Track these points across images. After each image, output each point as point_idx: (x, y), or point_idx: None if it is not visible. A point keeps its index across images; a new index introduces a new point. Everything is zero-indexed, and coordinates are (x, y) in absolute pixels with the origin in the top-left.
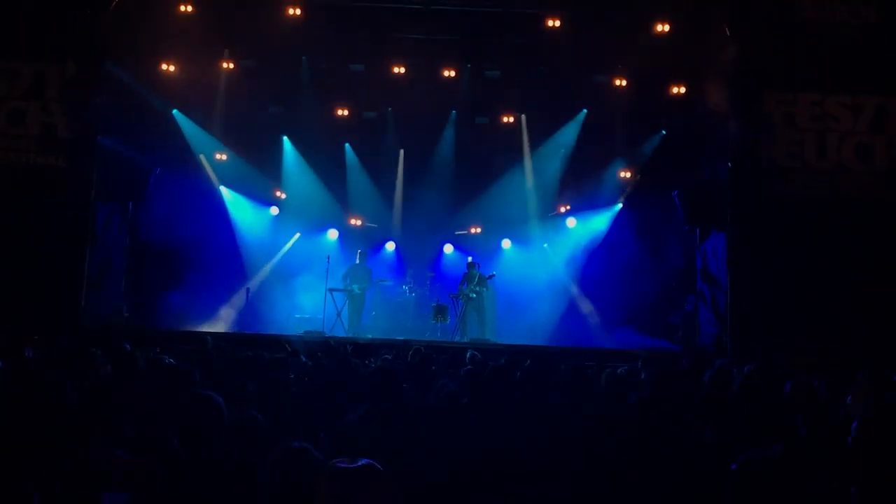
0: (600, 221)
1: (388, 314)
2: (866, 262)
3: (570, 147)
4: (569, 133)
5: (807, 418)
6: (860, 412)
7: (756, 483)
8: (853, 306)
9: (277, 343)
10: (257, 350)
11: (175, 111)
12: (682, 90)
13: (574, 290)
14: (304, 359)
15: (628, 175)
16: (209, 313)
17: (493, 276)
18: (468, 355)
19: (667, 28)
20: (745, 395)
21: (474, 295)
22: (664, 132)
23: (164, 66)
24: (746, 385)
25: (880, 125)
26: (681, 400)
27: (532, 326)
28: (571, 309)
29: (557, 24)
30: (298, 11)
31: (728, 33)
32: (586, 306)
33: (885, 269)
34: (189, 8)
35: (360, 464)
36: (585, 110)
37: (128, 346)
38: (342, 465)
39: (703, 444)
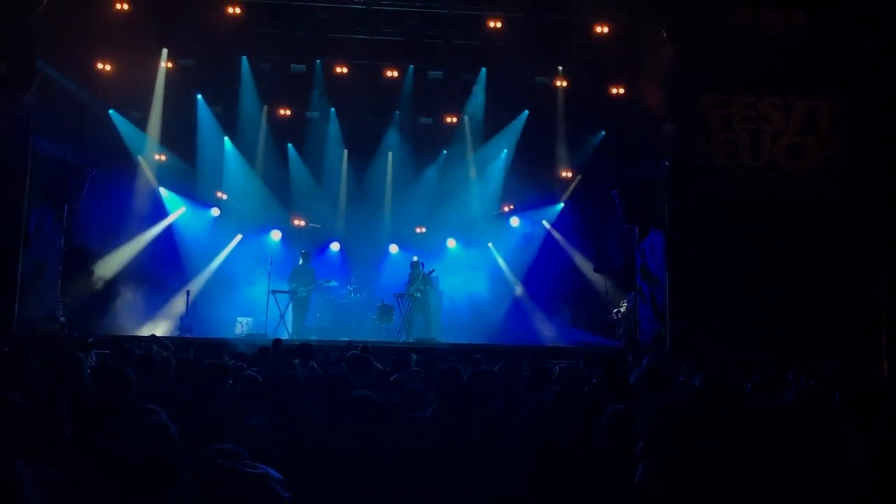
0: (543, 220)
1: (333, 315)
2: (800, 259)
3: (512, 147)
4: (511, 134)
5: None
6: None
7: None
8: (786, 302)
9: (219, 347)
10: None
11: (112, 111)
12: (622, 91)
13: (518, 288)
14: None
15: (570, 175)
16: (149, 318)
17: (433, 271)
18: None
19: (606, 30)
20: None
21: (419, 294)
22: (604, 133)
23: (99, 66)
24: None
25: (811, 126)
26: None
27: (476, 325)
28: (515, 307)
29: (499, 25)
30: (238, 10)
31: (665, 36)
32: (529, 305)
33: (818, 265)
34: (125, 6)
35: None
36: (527, 111)
37: (79, 354)
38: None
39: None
